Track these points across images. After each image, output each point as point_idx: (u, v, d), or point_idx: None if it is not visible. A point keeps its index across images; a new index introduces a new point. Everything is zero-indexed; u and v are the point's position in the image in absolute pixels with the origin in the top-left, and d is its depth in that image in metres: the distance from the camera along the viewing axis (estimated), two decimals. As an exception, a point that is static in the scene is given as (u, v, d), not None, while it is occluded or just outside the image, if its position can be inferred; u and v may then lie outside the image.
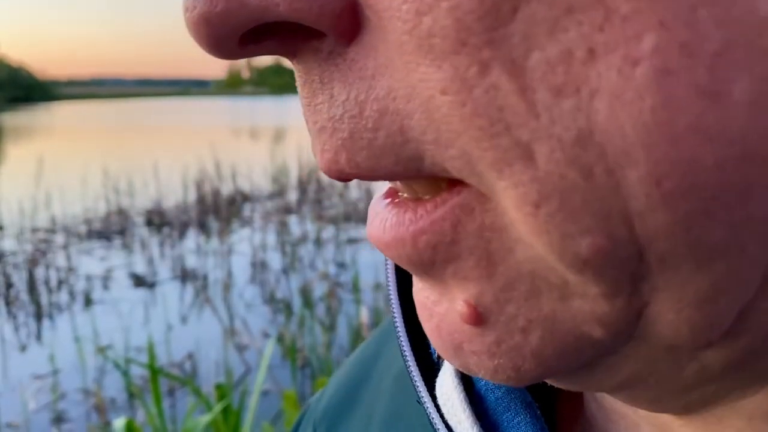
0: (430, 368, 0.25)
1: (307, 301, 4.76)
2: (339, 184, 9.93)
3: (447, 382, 0.23)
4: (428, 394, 0.23)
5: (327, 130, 0.18)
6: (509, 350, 0.18)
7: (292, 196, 9.26)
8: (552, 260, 0.16)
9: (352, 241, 6.71)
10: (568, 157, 0.14)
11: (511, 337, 0.17)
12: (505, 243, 0.16)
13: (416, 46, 0.15)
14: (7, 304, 4.97)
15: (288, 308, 4.74)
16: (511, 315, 0.17)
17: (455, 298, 0.18)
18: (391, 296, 0.27)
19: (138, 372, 3.63)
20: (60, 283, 5.42)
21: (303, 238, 6.77)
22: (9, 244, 6.63)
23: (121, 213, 7.64)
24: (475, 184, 0.16)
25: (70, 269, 5.76)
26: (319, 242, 6.64)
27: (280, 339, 4.04)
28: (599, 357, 0.18)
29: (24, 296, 5.12)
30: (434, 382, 0.24)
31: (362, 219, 7.67)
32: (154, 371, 2.24)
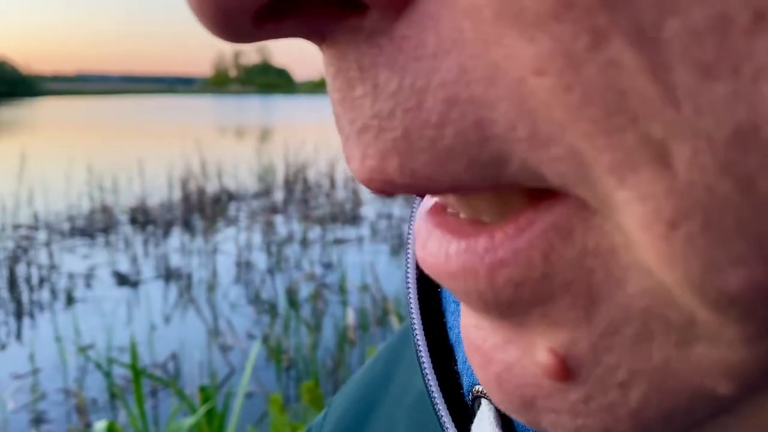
0: (457, 401, 0.22)
1: (293, 302, 4.72)
2: (325, 184, 9.90)
3: (485, 430, 0.20)
4: None
5: (371, 130, 0.14)
6: (600, 410, 0.14)
7: (279, 195, 9.22)
8: (681, 295, 0.12)
9: (338, 241, 6.68)
10: (719, 161, 0.11)
11: (604, 393, 0.14)
12: (613, 272, 0.13)
13: (498, 12, 0.11)
14: (-13, 301, 4.89)
15: (273, 309, 4.70)
16: (609, 366, 0.14)
17: (534, 345, 0.14)
18: (415, 326, 0.23)
19: (120, 372, 3.58)
20: (41, 280, 5.34)
21: (289, 238, 6.73)
22: (-11, 241, 6.53)
23: (105, 211, 7.55)
24: (582, 195, 0.12)
25: (52, 267, 5.68)
26: (305, 242, 6.60)
27: (265, 340, 4.01)
28: (711, 417, 0.14)
29: (4, 294, 5.04)
30: (468, 426, 0.21)
31: (349, 220, 7.64)
32: (137, 372, 2.19)
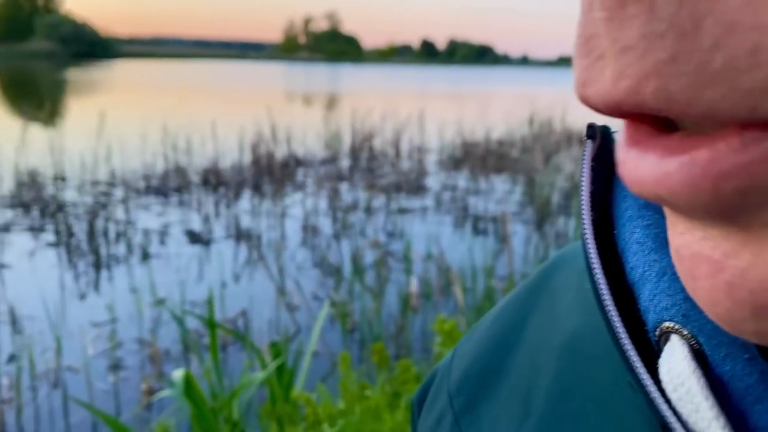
0: (638, 340, 0.22)
1: (357, 268, 4.79)
2: (391, 153, 9.92)
3: (678, 365, 0.20)
4: (650, 376, 0.21)
5: (635, 51, 0.14)
6: None
7: (345, 163, 9.29)
8: None
9: (402, 211, 6.70)
10: None
11: None
12: None
13: None
14: (68, 253, 5.15)
15: (338, 273, 4.78)
16: None
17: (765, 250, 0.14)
18: (594, 267, 0.23)
19: (193, 326, 3.73)
20: (118, 235, 5.58)
21: (354, 206, 6.80)
22: (70, 196, 6.85)
23: (179, 171, 7.79)
24: None
25: (129, 223, 5.92)
26: (369, 210, 6.65)
27: (331, 303, 4.08)
28: None
29: (84, 246, 5.29)
30: (653, 364, 0.22)
31: (413, 190, 7.64)
32: (213, 325, 2.28)
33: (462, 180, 8.30)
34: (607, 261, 0.23)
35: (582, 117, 13.56)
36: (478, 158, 9.41)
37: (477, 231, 6.03)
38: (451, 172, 8.75)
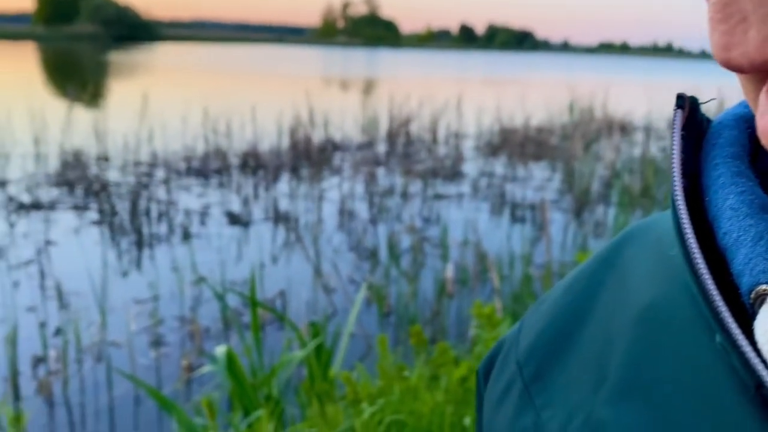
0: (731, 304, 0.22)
1: (394, 252, 4.81)
2: (428, 139, 9.89)
3: None
4: (744, 337, 0.21)
5: None
6: None
7: (381, 148, 9.30)
8: None
9: (438, 196, 6.69)
10: None
11: None
12: None
13: None
14: (111, 231, 5.27)
15: (374, 257, 4.81)
16: None
17: None
18: (687, 234, 0.24)
19: (232, 305, 3.80)
20: (160, 215, 5.69)
21: (390, 191, 6.81)
22: (113, 175, 7.00)
23: (219, 153, 7.89)
24: None
25: (170, 203, 6.03)
26: (405, 195, 6.66)
27: (369, 286, 4.11)
28: None
29: (127, 225, 5.41)
30: (748, 326, 0.22)
31: (449, 176, 7.62)
32: (254, 303, 2.32)
33: (499, 167, 8.24)
34: (697, 227, 0.24)
35: (623, 105, 13.31)
36: (516, 145, 9.32)
37: (514, 218, 5.99)
38: (488, 159, 8.69)
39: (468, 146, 9.56)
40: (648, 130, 11.12)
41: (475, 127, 10.64)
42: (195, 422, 1.79)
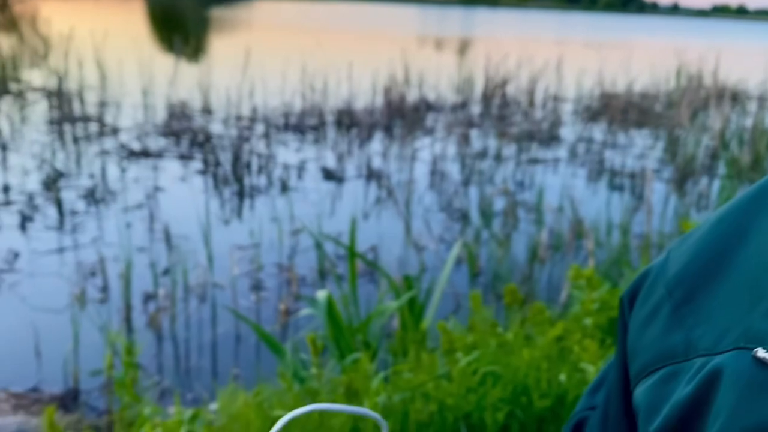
0: None
1: (485, 214, 4.80)
2: (524, 101, 9.68)
3: None
4: None
5: None
6: None
7: (476, 109, 9.19)
8: None
9: (534, 160, 6.58)
10: None
11: None
12: None
13: None
14: (215, 180, 5.52)
15: (465, 218, 4.82)
16: None
17: None
18: None
19: (328, 255, 3.92)
20: (260, 168, 5.90)
21: (483, 153, 6.76)
22: (216, 128, 7.28)
23: (315, 110, 8.04)
24: None
25: (269, 156, 6.24)
26: (499, 158, 6.59)
27: (463, 244, 4.14)
28: None
29: (229, 176, 5.65)
30: None
31: (546, 139, 7.45)
32: (353, 253, 2.40)
33: (599, 132, 7.98)
34: None
35: (736, 73, 12.50)
36: (617, 111, 8.98)
37: (612, 186, 5.83)
38: (587, 124, 8.43)
39: (566, 110, 9.29)
40: (763, 99, 10.43)
41: (575, 91, 10.31)
42: (294, 359, 1.90)
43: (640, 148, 7.27)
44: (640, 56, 16.99)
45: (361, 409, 0.41)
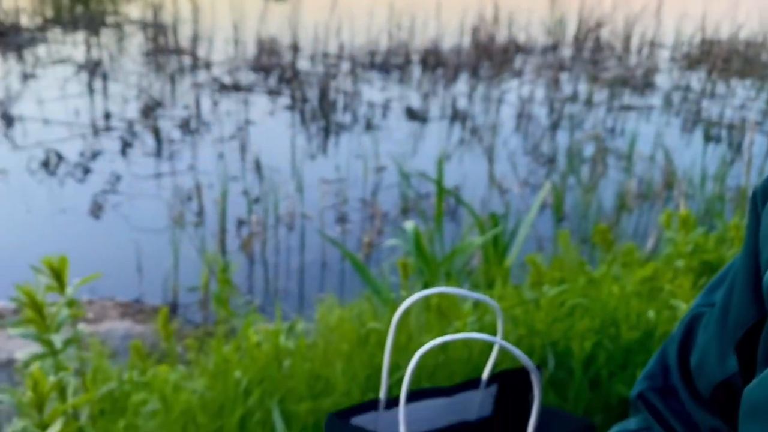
0: None
1: (572, 160, 4.71)
2: (618, 46, 9.27)
3: None
4: None
5: None
6: None
7: (567, 52, 8.88)
8: None
9: (626, 107, 6.35)
10: None
11: None
12: None
13: None
14: (302, 116, 5.63)
15: (551, 163, 4.74)
16: None
17: None
18: None
19: (409, 193, 3.98)
20: (345, 105, 5.96)
21: (573, 97, 6.56)
22: (303, 65, 7.36)
23: (401, 49, 7.98)
24: None
25: (354, 94, 6.28)
26: (590, 103, 6.39)
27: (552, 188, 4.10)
28: None
29: (315, 112, 5.74)
30: None
31: (640, 86, 7.16)
32: (441, 188, 2.44)
33: (697, 81, 7.59)
34: None
35: None
36: (719, 59, 8.48)
37: (708, 137, 5.57)
38: (685, 72, 8.02)
39: (663, 56, 8.85)
40: None
41: (674, 37, 9.77)
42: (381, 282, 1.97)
43: (741, 99, 6.88)
44: (748, 1, 15.83)
45: (479, 295, 0.46)
